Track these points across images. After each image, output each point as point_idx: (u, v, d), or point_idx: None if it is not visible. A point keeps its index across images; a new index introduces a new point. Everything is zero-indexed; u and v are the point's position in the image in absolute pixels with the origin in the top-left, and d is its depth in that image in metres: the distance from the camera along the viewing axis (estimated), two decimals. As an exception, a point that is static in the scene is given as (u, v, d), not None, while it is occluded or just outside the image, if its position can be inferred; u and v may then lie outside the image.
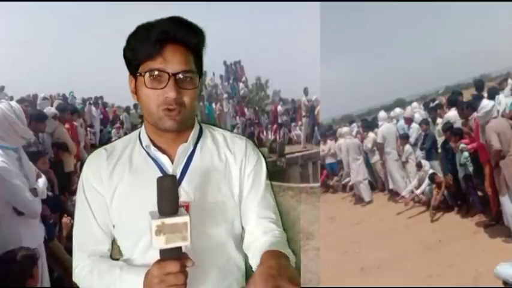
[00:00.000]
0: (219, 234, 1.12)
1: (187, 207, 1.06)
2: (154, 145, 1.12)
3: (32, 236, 2.46)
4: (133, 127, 10.40)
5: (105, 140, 9.82)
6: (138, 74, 1.05)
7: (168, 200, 0.90)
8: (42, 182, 2.65)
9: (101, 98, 11.37)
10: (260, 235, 1.13)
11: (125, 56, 1.09)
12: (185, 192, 1.09)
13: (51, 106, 5.94)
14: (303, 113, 10.69)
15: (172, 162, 1.11)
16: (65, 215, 3.68)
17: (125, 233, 1.13)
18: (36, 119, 4.40)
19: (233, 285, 1.12)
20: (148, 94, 1.04)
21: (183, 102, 1.04)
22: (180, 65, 1.02)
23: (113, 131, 10.10)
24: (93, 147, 8.88)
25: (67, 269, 3.39)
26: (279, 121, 11.89)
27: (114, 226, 1.13)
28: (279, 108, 12.32)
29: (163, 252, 0.91)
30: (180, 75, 1.03)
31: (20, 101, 7.11)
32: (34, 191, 2.45)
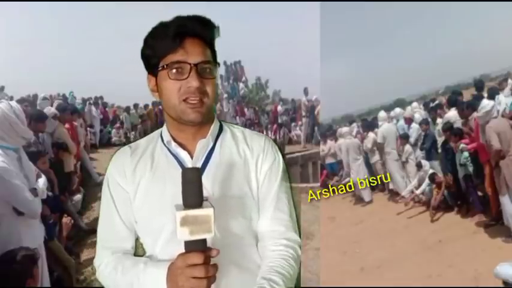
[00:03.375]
0: (237, 229, 1.12)
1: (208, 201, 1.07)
2: (175, 141, 1.14)
3: (32, 236, 2.46)
4: (134, 127, 10.41)
5: (105, 140, 9.83)
6: (160, 68, 1.07)
7: (193, 193, 0.91)
8: (42, 182, 2.65)
9: (101, 98, 11.38)
10: (268, 243, 1.14)
11: (143, 56, 1.12)
12: (204, 187, 1.08)
13: (51, 106, 5.94)
14: (303, 113, 10.69)
15: (192, 158, 1.13)
16: (65, 215, 3.69)
17: (146, 228, 1.14)
18: (36, 119, 4.40)
19: (249, 281, 1.10)
20: (170, 87, 1.06)
21: (206, 91, 1.07)
22: (200, 56, 1.06)
23: (113, 131, 10.10)
24: (93, 147, 8.91)
25: (67, 269, 3.40)
26: (279, 121, 11.89)
27: (136, 222, 1.15)
28: (279, 108, 12.33)
29: (187, 244, 0.92)
30: (201, 66, 1.06)
31: (20, 101, 7.11)
32: (34, 191, 2.45)
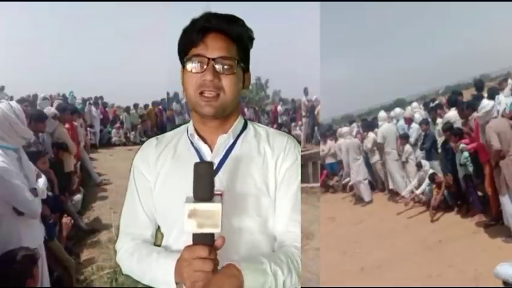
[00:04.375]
0: (251, 228, 1.12)
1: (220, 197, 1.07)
2: (198, 134, 1.16)
3: (32, 236, 2.46)
4: (134, 127, 10.41)
5: (105, 140, 9.82)
6: (184, 61, 1.10)
7: (203, 186, 0.92)
8: (42, 182, 2.65)
9: (101, 98, 11.36)
10: (284, 244, 1.14)
11: (178, 51, 1.15)
12: (220, 182, 1.09)
13: (51, 106, 5.93)
14: (303, 113, 10.68)
15: (212, 152, 1.14)
16: (65, 215, 3.69)
17: (163, 218, 1.18)
18: (36, 119, 4.40)
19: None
20: (188, 79, 1.09)
21: (222, 87, 1.08)
22: (220, 51, 1.07)
23: (113, 131, 10.10)
24: (93, 147, 8.90)
25: (67, 269, 3.40)
26: (279, 121, 11.89)
27: (156, 211, 1.19)
28: (279, 108, 12.33)
29: (195, 236, 0.93)
30: (220, 61, 1.07)
31: (20, 101, 7.10)
32: (34, 191, 2.45)
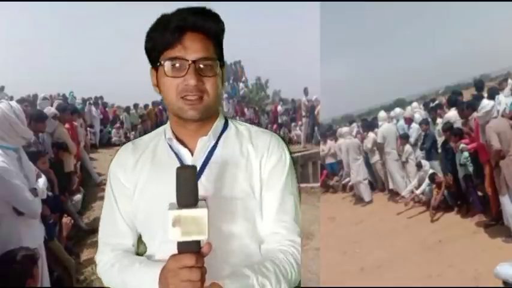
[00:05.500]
0: (239, 232, 1.07)
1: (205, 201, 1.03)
2: (177, 138, 1.11)
3: (32, 236, 2.46)
4: (133, 127, 10.42)
5: (105, 140, 9.83)
6: (159, 64, 1.04)
7: (186, 192, 0.87)
8: (42, 182, 2.65)
9: (101, 98, 11.39)
10: (270, 246, 1.09)
11: (145, 49, 1.08)
12: (203, 187, 1.04)
13: (51, 106, 5.94)
14: (303, 113, 10.69)
15: (192, 155, 1.09)
16: (65, 215, 3.69)
17: (144, 226, 1.12)
18: (36, 119, 4.40)
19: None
20: (168, 83, 1.03)
21: (205, 89, 1.03)
22: (200, 52, 1.01)
23: (113, 131, 10.11)
24: (93, 147, 8.91)
25: (67, 269, 3.40)
26: (279, 121, 11.91)
27: (136, 219, 1.13)
28: (279, 108, 12.35)
29: (180, 245, 0.88)
30: (201, 63, 1.02)
31: (20, 101, 7.11)
32: (34, 191, 2.45)
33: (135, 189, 1.11)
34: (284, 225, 1.11)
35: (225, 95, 12.75)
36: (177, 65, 1.01)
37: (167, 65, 1.02)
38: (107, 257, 1.12)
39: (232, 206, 1.06)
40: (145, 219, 1.10)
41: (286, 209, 1.12)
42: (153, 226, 1.08)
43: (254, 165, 1.10)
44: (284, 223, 1.11)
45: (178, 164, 1.06)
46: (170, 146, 1.12)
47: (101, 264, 1.14)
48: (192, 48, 1.01)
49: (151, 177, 1.10)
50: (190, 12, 1.03)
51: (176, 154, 1.10)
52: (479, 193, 4.76)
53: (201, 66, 1.02)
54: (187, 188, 0.87)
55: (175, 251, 0.89)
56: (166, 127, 1.16)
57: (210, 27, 1.04)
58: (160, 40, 1.02)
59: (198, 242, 0.88)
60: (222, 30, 1.08)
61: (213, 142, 1.11)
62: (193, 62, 1.01)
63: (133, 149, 1.15)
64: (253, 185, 1.09)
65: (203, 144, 1.10)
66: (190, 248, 0.88)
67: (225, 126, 1.15)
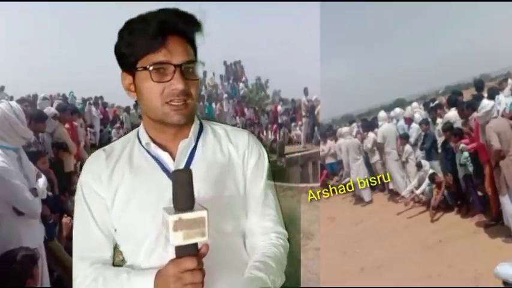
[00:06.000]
0: (227, 231, 1.10)
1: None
2: (155, 142, 1.09)
3: (32, 236, 2.46)
4: (134, 127, 10.32)
5: (105, 140, 9.81)
6: (139, 69, 1.01)
7: (185, 195, 0.87)
8: (42, 182, 2.65)
9: (101, 98, 11.37)
10: (258, 239, 1.13)
11: (118, 53, 1.05)
12: None
13: (51, 106, 5.93)
14: (303, 113, 10.69)
15: (173, 159, 1.08)
16: (65, 215, 3.68)
17: (127, 236, 1.08)
18: (36, 119, 4.40)
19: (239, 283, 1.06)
20: (152, 88, 1.01)
21: (190, 93, 1.03)
22: (183, 56, 1.01)
23: (113, 131, 10.09)
24: (93, 147, 8.90)
25: (67, 269, 3.39)
26: (279, 121, 11.89)
27: (115, 230, 1.09)
28: (279, 108, 12.33)
29: (179, 249, 0.88)
30: (185, 66, 1.01)
31: (20, 101, 7.11)
32: (34, 191, 2.45)
33: (114, 200, 1.07)
34: (269, 218, 1.15)
35: (225, 95, 12.75)
36: (162, 69, 0.99)
37: (152, 70, 0.99)
38: (85, 272, 1.07)
39: (220, 205, 1.06)
40: (130, 229, 1.07)
41: (269, 203, 1.16)
42: (138, 236, 1.06)
43: (236, 164, 1.13)
44: (269, 216, 1.16)
45: (159, 169, 1.07)
46: (147, 151, 1.09)
47: (79, 280, 1.07)
48: (176, 52, 1.00)
49: (132, 186, 1.06)
50: (170, 15, 1.01)
51: (156, 159, 1.08)
52: (479, 193, 4.77)
53: (185, 69, 1.01)
54: (185, 191, 0.87)
55: (164, 259, 0.90)
56: (140, 132, 1.13)
57: (189, 30, 1.03)
58: (140, 44, 0.99)
59: (195, 245, 0.89)
60: (199, 32, 1.06)
61: (193, 144, 1.11)
62: (179, 66, 0.99)
63: (107, 158, 1.10)
64: (237, 183, 1.12)
65: (184, 146, 1.09)
66: (189, 251, 0.88)
67: (201, 127, 1.15)
